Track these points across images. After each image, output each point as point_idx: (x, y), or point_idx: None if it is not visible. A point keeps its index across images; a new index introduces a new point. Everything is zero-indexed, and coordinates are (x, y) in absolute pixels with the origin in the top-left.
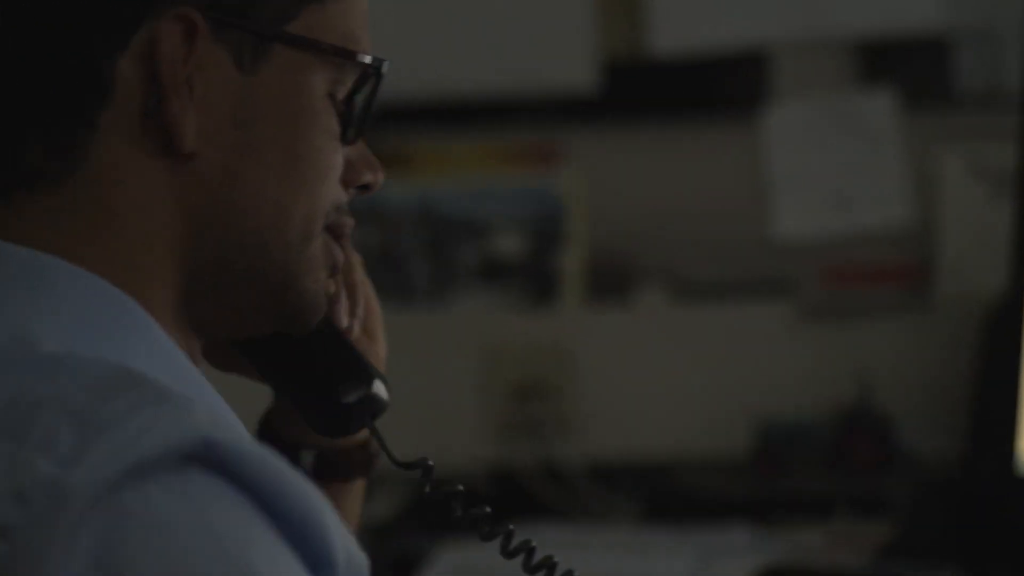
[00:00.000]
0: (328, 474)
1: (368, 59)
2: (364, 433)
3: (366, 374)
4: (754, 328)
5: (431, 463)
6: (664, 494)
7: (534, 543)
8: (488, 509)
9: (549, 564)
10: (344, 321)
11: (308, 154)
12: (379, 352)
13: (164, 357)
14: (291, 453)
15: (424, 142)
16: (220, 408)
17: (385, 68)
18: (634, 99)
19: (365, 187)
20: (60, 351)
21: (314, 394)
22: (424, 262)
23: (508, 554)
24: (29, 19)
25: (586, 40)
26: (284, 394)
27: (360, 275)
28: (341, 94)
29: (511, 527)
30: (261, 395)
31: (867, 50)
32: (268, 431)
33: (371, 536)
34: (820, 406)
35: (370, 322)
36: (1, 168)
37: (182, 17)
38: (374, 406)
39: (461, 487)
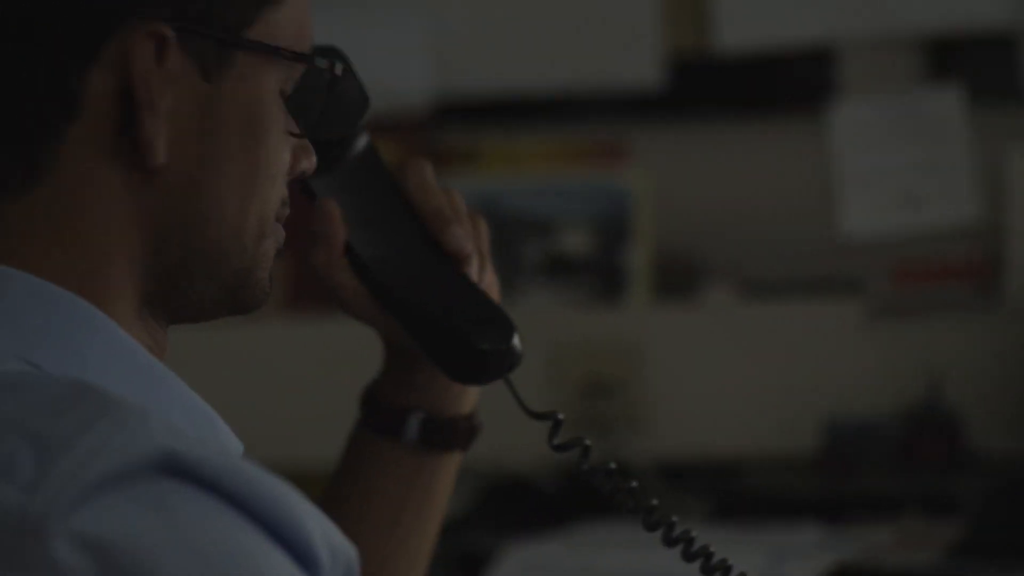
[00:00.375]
0: (432, 441)
1: (324, 63)
2: (473, 402)
3: (508, 326)
4: (822, 326)
5: (561, 417)
6: (732, 492)
7: (694, 532)
8: (655, 502)
9: (706, 553)
10: (477, 276)
11: (266, 159)
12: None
13: (125, 360)
14: (399, 420)
15: (491, 139)
16: (186, 405)
17: (338, 69)
18: (701, 96)
19: (301, 174)
20: (17, 369)
21: (455, 340)
22: (491, 259)
23: (649, 527)
24: (5, 21)
25: (653, 37)
26: (423, 340)
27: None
28: (290, 89)
29: (674, 518)
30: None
31: (935, 47)
32: (372, 400)
33: (439, 532)
34: (889, 404)
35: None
36: None
37: (152, 35)
38: (511, 358)
39: (587, 441)
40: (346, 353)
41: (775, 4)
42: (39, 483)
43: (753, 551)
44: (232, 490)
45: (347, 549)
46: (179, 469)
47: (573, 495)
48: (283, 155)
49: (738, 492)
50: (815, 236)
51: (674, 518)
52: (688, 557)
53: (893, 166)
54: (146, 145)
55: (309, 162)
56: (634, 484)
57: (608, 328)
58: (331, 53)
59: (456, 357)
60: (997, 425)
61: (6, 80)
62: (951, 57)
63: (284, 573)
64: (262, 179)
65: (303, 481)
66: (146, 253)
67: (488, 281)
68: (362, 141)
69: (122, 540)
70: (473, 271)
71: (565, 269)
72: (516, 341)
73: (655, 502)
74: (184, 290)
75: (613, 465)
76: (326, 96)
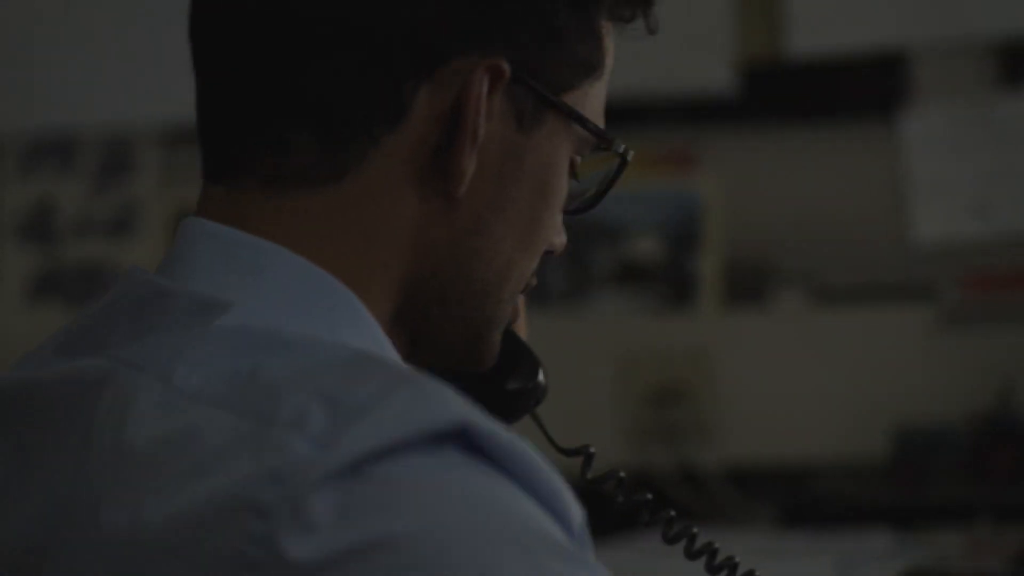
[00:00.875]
0: None
1: (622, 147)
2: None
3: (531, 362)
4: (893, 333)
5: (592, 451)
6: (801, 499)
7: (717, 544)
8: (649, 496)
9: (731, 564)
10: None
11: (544, 220)
12: (524, 328)
13: (390, 354)
14: None
15: None
16: None
17: (630, 156)
18: (772, 102)
19: (549, 252)
20: (294, 332)
21: (480, 381)
22: (561, 266)
23: (692, 555)
24: (345, 26)
25: (723, 43)
26: (449, 380)
27: None
28: (576, 164)
29: (695, 529)
30: None
31: (1008, 52)
32: None
33: None
34: (959, 412)
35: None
36: (270, 156)
37: (493, 67)
38: (537, 393)
39: (622, 473)
40: None
41: (846, 9)
42: (337, 439)
43: (822, 558)
44: (516, 468)
45: (587, 531)
46: (471, 441)
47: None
48: (556, 224)
49: (807, 499)
50: (885, 243)
51: (695, 530)
52: (712, 571)
53: (964, 173)
54: (457, 171)
55: (561, 241)
56: (673, 514)
57: (678, 335)
58: None
59: (485, 398)
60: None
61: (342, 79)
62: (1023, 63)
63: (561, 538)
64: (536, 239)
65: None
66: (415, 276)
67: (515, 314)
68: None
69: (409, 486)
70: None
71: (635, 276)
72: (541, 377)
73: (695, 529)
74: (431, 323)
75: (649, 496)
76: (607, 184)
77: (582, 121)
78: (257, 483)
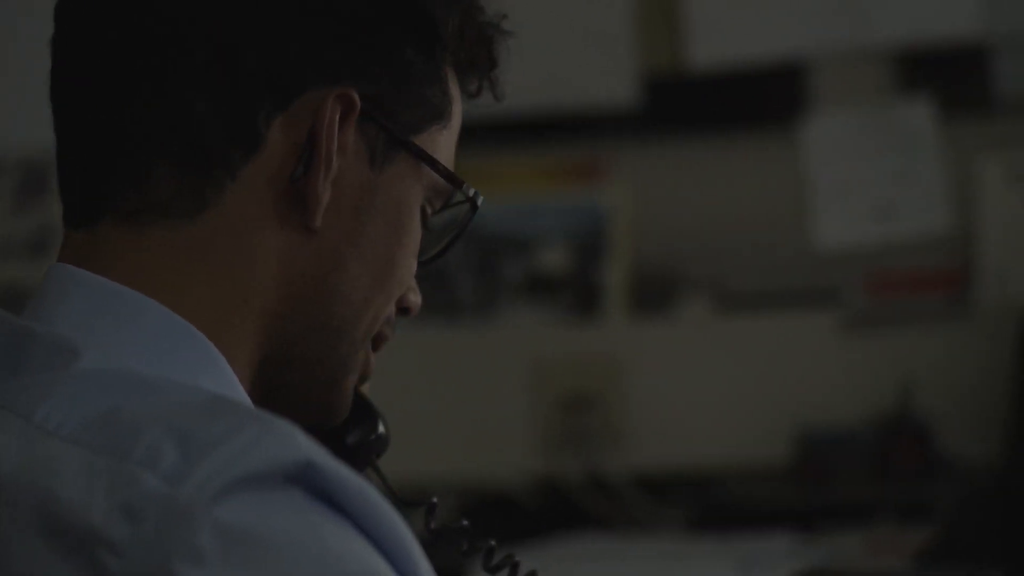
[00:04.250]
0: None
1: (471, 191)
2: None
3: (371, 415)
4: (798, 338)
5: (435, 500)
6: (709, 504)
7: (517, 557)
8: (492, 542)
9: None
10: None
11: (399, 260)
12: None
13: (245, 400)
14: None
15: (469, 159)
16: None
17: (480, 202)
18: (675, 113)
19: (406, 310)
20: (153, 375)
21: (321, 437)
22: (471, 277)
23: (490, 570)
24: (201, 56)
25: (627, 56)
26: None
27: None
28: (429, 214)
29: (516, 558)
30: None
31: (905, 59)
32: None
33: None
34: (863, 414)
35: None
36: (129, 190)
37: (344, 97)
38: (378, 446)
39: (466, 522)
40: None
41: (746, 21)
42: (186, 474)
43: (724, 561)
44: (361, 514)
45: None
46: (316, 483)
47: (553, 510)
48: (410, 269)
49: (715, 503)
50: (789, 249)
51: (516, 559)
52: None
53: (866, 178)
54: (312, 199)
55: (417, 301)
56: (492, 543)
57: (586, 344)
58: None
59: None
60: (970, 433)
61: (198, 108)
62: (921, 69)
63: None
64: (391, 280)
65: None
66: (277, 313)
67: (367, 370)
68: None
69: (256, 533)
70: None
71: (544, 287)
72: (382, 428)
73: (517, 559)
74: (292, 369)
75: (465, 523)
76: (458, 229)
77: (432, 162)
78: (110, 518)
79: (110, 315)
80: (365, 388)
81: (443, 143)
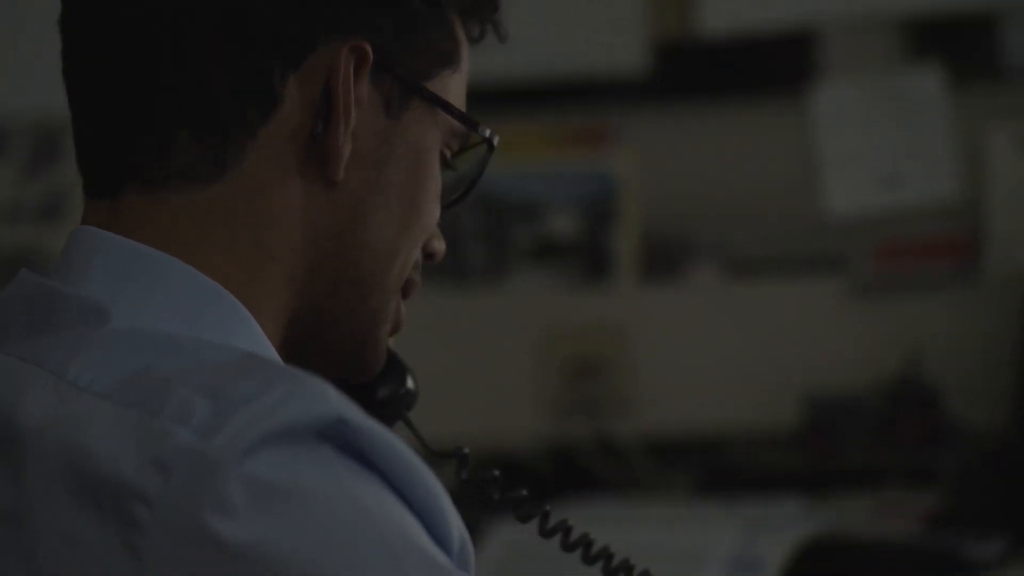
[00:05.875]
0: None
1: (487, 131)
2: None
3: (400, 369)
4: (805, 304)
5: (466, 451)
6: (717, 468)
7: (571, 523)
8: (525, 492)
9: (586, 542)
10: None
11: (423, 205)
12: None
13: (275, 358)
14: None
15: None
16: None
17: (496, 141)
18: (685, 79)
19: (431, 256)
20: (184, 334)
21: (350, 392)
22: (480, 244)
23: (545, 534)
24: (211, 24)
25: (636, 22)
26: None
27: None
28: (447, 157)
29: (548, 507)
30: None
31: (914, 27)
32: None
33: None
34: (870, 380)
35: None
36: (152, 160)
37: (356, 49)
38: (407, 400)
39: (497, 472)
40: None
41: None
42: (218, 429)
43: (731, 524)
44: (392, 470)
45: (470, 546)
46: (347, 440)
47: (562, 475)
48: (435, 213)
49: (722, 468)
50: (798, 216)
51: (548, 507)
52: (568, 548)
53: (874, 146)
54: (333, 153)
55: (441, 246)
56: (524, 492)
57: (595, 310)
58: None
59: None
60: (976, 399)
61: (213, 75)
62: (931, 37)
63: (425, 543)
64: (416, 225)
65: None
66: (305, 268)
67: (400, 321)
68: None
69: (286, 487)
70: None
71: (553, 252)
72: (410, 383)
73: (548, 507)
74: (323, 323)
75: (496, 473)
76: (477, 171)
77: (446, 106)
78: (142, 472)
79: (138, 277)
80: (391, 343)
81: (454, 87)
